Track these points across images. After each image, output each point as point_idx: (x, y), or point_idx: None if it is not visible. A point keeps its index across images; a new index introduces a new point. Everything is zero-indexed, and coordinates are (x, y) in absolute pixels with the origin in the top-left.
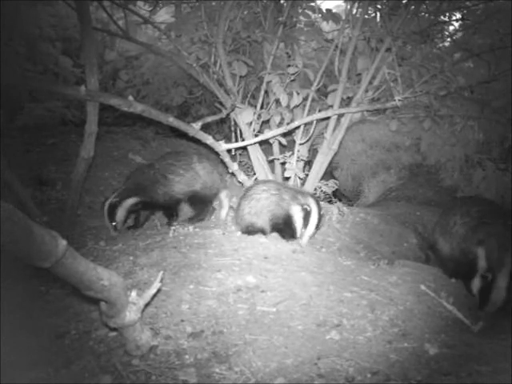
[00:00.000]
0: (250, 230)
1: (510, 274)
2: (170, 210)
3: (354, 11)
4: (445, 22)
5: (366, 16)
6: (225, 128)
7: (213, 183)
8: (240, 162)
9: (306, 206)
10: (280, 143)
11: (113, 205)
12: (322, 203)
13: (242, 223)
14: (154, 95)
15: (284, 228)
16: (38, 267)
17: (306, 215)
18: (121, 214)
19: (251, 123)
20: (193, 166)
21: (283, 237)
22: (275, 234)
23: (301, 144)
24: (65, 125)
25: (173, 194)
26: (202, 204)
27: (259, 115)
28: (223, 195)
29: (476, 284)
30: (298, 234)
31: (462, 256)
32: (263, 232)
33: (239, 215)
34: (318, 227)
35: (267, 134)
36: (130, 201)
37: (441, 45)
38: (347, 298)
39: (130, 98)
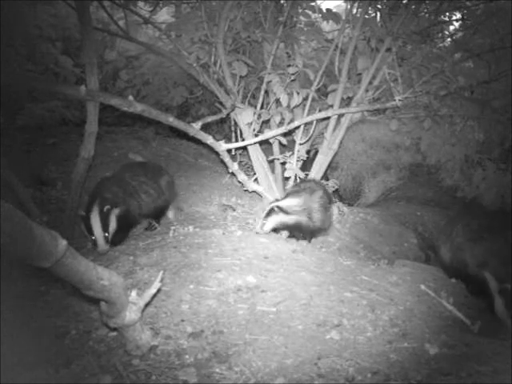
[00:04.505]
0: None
1: None
2: (129, 228)
3: (354, 11)
4: (445, 22)
5: (366, 16)
6: (225, 128)
7: (171, 196)
8: (240, 161)
9: None
10: (280, 143)
11: (106, 213)
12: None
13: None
14: (154, 95)
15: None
16: (37, 267)
17: None
18: (113, 223)
19: (251, 123)
20: (159, 182)
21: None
22: (275, 234)
23: (301, 144)
24: (65, 125)
25: (139, 213)
26: (158, 216)
27: (259, 115)
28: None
29: (499, 302)
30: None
31: (461, 266)
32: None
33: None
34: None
35: (267, 134)
36: (117, 210)
37: (441, 45)
38: (347, 297)
39: (130, 97)
